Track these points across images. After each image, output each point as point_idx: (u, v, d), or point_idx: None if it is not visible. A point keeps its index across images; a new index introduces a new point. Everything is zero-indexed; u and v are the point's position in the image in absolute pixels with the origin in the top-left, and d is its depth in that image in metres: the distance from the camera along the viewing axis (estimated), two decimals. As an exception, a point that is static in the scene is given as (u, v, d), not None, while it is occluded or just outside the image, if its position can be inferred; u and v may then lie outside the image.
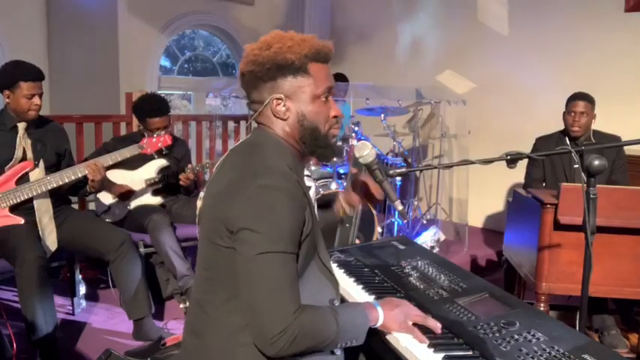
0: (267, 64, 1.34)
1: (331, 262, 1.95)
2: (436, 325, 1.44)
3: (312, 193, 3.49)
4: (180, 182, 3.35)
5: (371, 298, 1.66)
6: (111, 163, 2.89)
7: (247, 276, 1.26)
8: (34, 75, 2.71)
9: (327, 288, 1.44)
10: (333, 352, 1.38)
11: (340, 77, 4.85)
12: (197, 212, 1.46)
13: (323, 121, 1.41)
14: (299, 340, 1.24)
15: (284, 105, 1.37)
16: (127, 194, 3.27)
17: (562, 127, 3.36)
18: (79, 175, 2.76)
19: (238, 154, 1.42)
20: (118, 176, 3.24)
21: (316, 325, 1.29)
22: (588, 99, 3.24)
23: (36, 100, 2.71)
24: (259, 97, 1.39)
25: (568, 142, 3.28)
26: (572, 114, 3.22)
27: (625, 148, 3.32)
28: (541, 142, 3.39)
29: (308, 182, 3.62)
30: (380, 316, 1.41)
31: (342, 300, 1.57)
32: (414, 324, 1.44)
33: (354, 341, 1.37)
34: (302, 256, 1.32)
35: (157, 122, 3.31)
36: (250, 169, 1.32)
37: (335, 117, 1.44)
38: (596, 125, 3.31)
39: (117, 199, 3.27)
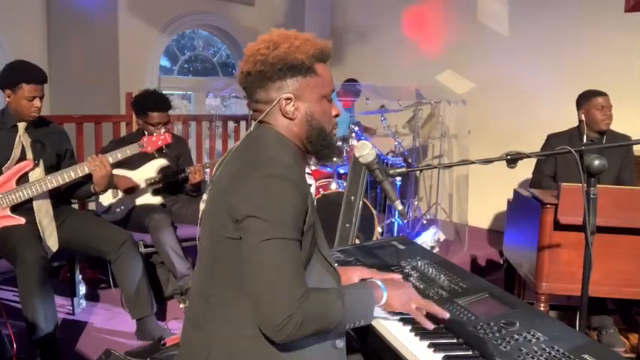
0: (277, 64, 1.34)
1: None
2: (442, 312, 1.42)
3: (312, 190, 3.50)
4: (189, 178, 3.29)
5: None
6: (112, 162, 2.87)
7: (252, 263, 1.26)
8: (37, 78, 2.69)
9: (328, 281, 1.44)
10: (335, 347, 1.37)
11: (352, 82, 4.85)
12: (200, 215, 1.46)
13: (328, 121, 1.44)
14: (306, 324, 1.24)
15: (293, 104, 1.38)
16: (131, 189, 3.26)
17: (562, 126, 3.35)
18: (79, 174, 2.75)
19: (240, 148, 1.43)
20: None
21: (323, 307, 1.29)
22: (606, 94, 3.23)
23: (36, 102, 2.69)
24: (266, 96, 1.39)
25: (585, 139, 3.22)
26: (601, 108, 3.19)
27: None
28: (554, 139, 3.33)
29: (308, 180, 3.63)
30: (384, 295, 1.42)
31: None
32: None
33: (362, 321, 1.38)
34: (304, 249, 1.32)
35: (158, 117, 3.30)
36: (253, 159, 1.33)
37: (336, 116, 1.47)
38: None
39: (122, 194, 3.26)
